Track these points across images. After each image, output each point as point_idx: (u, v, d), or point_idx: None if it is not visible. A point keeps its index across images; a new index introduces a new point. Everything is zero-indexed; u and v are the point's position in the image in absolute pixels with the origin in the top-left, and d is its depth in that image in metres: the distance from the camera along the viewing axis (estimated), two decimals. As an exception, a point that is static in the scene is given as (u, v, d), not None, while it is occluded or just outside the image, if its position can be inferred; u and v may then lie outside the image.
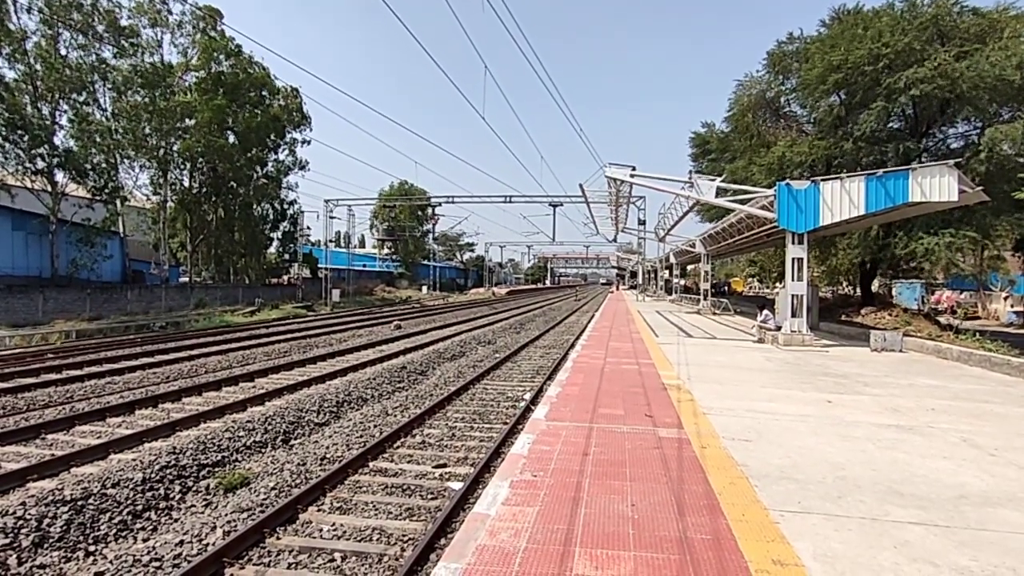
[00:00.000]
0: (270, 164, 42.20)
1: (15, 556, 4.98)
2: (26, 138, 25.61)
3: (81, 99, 28.44)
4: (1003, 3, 21.10)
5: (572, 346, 17.48)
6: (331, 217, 47.44)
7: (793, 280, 14.84)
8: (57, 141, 27.50)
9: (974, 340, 15.06)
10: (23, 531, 5.25)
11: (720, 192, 16.86)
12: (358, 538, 5.41)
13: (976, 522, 4.03)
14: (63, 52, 27.63)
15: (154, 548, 5.16)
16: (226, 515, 5.81)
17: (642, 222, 42.70)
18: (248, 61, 38.46)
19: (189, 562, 4.86)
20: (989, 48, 19.28)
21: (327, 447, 8.07)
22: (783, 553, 3.53)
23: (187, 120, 33.62)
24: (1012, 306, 33.94)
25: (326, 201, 46.64)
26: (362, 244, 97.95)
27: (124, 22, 30.34)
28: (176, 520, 5.98)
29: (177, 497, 6.46)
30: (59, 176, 27.42)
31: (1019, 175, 17.76)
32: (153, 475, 6.64)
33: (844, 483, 4.74)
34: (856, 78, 20.76)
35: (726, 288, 66.79)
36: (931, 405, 7.83)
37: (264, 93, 39.80)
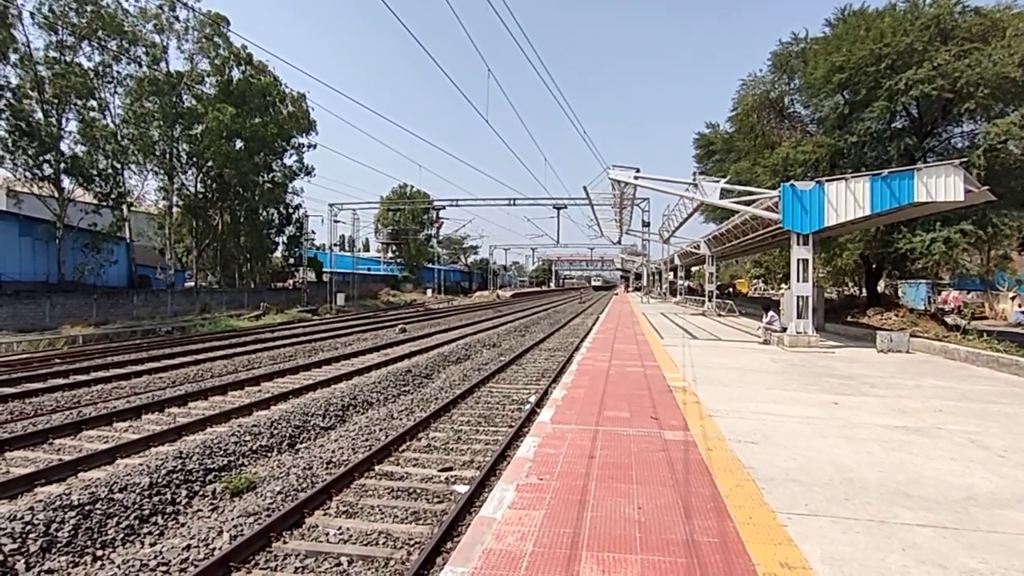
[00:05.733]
0: (276, 170, 42.33)
1: (23, 561, 5.00)
2: (34, 144, 25.81)
3: (88, 105, 28.65)
4: (1005, 2, 21.06)
5: (577, 349, 17.45)
6: (336, 221, 47.60)
7: (798, 281, 14.80)
8: (64, 147, 27.69)
9: (981, 340, 14.98)
10: (31, 536, 5.27)
11: (724, 193, 16.84)
12: (364, 542, 5.41)
13: (985, 524, 4.00)
14: (68, 58, 27.84)
15: (161, 552, 5.18)
16: (233, 519, 5.82)
17: (646, 224, 42.53)
18: (259, 68, 38.60)
19: (196, 566, 4.87)
20: (991, 47, 19.25)
21: (333, 451, 8.08)
22: (791, 556, 3.51)
23: (197, 126, 33.80)
24: (1020, 306, 33.73)
25: (330, 205, 46.79)
26: (366, 248, 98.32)
27: (128, 28, 30.55)
28: (183, 524, 5.99)
29: (184, 501, 6.48)
30: (66, 182, 27.61)
31: None
32: (160, 480, 6.66)
33: (851, 485, 4.72)
34: (859, 78, 20.75)
35: (731, 289, 66.65)
36: (938, 406, 7.79)
37: (272, 99, 39.90)
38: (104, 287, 29.12)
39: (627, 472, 5.02)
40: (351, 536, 5.51)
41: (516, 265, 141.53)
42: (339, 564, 5.02)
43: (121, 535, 5.64)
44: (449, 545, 5.20)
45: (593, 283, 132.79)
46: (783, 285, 46.19)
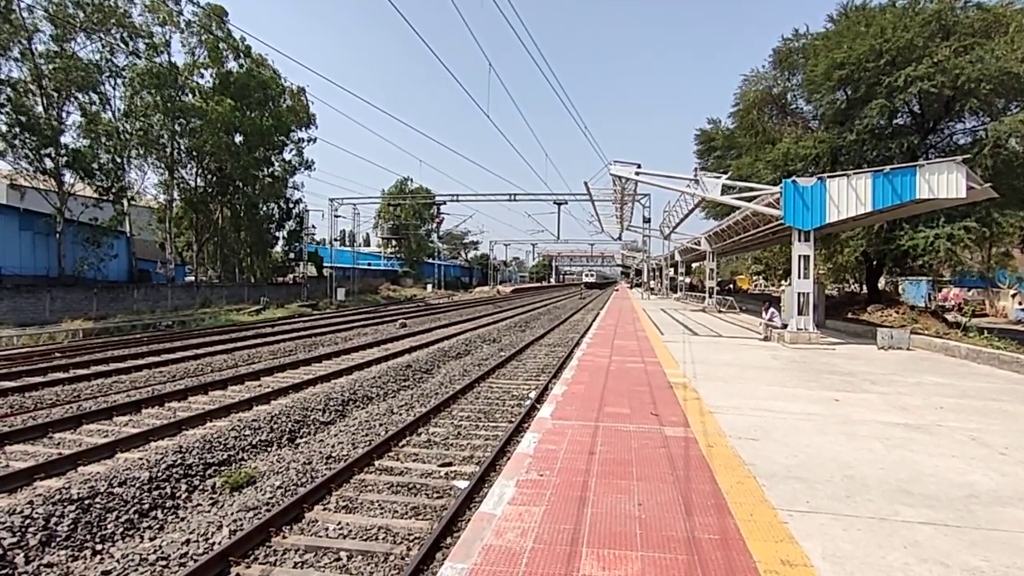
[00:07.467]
0: (276, 164, 42.23)
1: (22, 555, 5.00)
2: (34, 138, 25.74)
3: (89, 99, 28.57)
4: None
5: (577, 344, 17.44)
6: (336, 216, 47.54)
7: (799, 278, 14.77)
8: (65, 141, 27.61)
9: (982, 338, 14.96)
10: (30, 530, 5.27)
11: (726, 189, 16.81)
12: (364, 537, 5.41)
13: (987, 522, 3.99)
14: (70, 51, 27.71)
15: (161, 547, 5.17)
16: (232, 514, 5.81)
17: (647, 220, 42.55)
18: (258, 61, 38.47)
19: (195, 561, 4.86)
20: (994, 43, 19.15)
21: (333, 446, 8.07)
22: (792, 553, 3.50)
23: (196, 120, 33.70)
24: (1020, 303, 33.71)
25: (331, 200, 46.74)
26: (367, 243, 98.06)
27: (135, 20, 30.51)
28: (183, 519, 5.99)
29: (183, 496, 6.48)
30: (67, 176, 27.52)
31: None
32: (160, 474, 6.66)
33: (852, 482, 4.71)
34: (859, 75, 20.67)
35: (731, 286, 66.63)
36: (939, 403, 7.77)
37: (271, 93, 39.72)
38: (104, 281, 29.09)
39: (627, 468, 5.00)
40: (351, 531, 5.50)
41: (516, 261, 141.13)
42: (339, 559, 5.02)
43: (120, 529, 5.63)
44: (449, 541, 5.18)
45: (585, 279, 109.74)
46: (784, 281, 46.13)
